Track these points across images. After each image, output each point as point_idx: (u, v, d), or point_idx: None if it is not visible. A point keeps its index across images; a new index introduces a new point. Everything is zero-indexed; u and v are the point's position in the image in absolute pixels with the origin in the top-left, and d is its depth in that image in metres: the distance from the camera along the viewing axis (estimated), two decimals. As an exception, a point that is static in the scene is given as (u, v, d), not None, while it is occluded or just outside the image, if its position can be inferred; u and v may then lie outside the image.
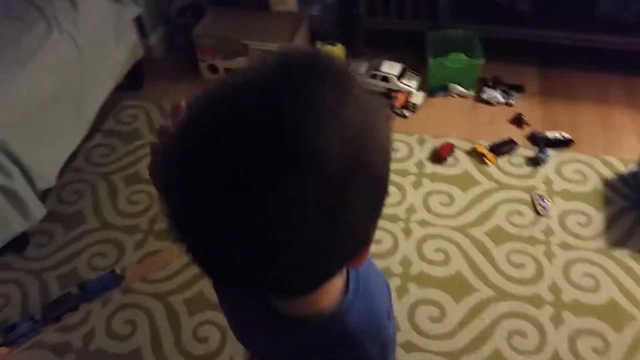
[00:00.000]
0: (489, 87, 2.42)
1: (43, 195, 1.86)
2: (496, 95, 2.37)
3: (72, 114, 1.87)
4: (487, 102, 2.38)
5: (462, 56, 2.33)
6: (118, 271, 1.76)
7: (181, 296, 1.75)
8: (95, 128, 2.27)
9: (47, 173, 1.76)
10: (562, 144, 2.16)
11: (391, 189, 2.05)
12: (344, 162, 0.40)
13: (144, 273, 1.77)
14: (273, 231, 0.40)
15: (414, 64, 2.46)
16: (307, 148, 0.39)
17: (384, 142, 0.47)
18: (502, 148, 2.14)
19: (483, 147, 2.15)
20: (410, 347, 1.62)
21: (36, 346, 1.62)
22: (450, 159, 2.14)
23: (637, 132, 2.22)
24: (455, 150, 2.16)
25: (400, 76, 2.40)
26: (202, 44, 2.44)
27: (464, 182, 2.06)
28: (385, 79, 2.39)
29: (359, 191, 0.43)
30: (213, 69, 2.50)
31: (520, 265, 1.80)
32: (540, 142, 2.17)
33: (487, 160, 2.11)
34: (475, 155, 2.14)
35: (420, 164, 2.13)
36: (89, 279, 1.77)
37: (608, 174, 2.07)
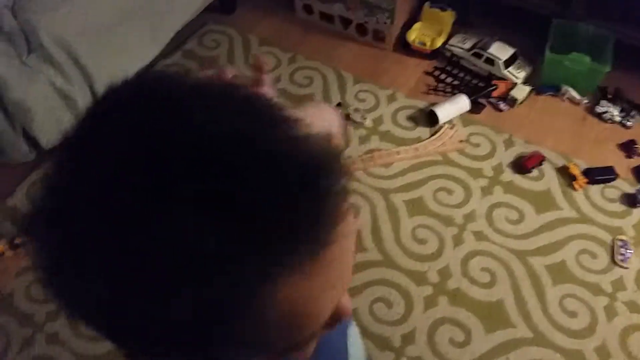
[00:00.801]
0: (608, 99, 2.07)
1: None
2: (613, 111, 2.03)
3: (145, 32, 1.82)
4: (600, 117, 2.05)
5: (586, 58, 1.99)
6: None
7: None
8: (177, 46, 2.22)
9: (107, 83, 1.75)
10: (673, 188, 1.83)
11: (456, 187, 1.87)
12: None
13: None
14: None
15: (528, 53, 2.16)
16: None
17: None
18: (598, 175, 1.85)
19: (577, 169, 1.87)
20: (419, 364, 1.50)
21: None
22: (534, 172, 1.88)
23: None
24: (544, 162, 1.90)
25: (508, 63, 2.12)
26: (303, -20, 2.28)
27: (542, 202, 1.81)
28: (490, 61, 2.11)
29: None
30: (308, 9, 2.34)
31: (573, 314, 1.58)
32: (646, 178, 1.85)
33: (576, 185, 1.84)
34: (566, 175, 1.87)
35: (498, 168, 1.90)
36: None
37: None
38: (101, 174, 0.30)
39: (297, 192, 0.30)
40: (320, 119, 0.63)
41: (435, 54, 2.22)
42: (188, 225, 0.28)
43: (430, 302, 1.60)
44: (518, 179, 1.87)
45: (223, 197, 0.29)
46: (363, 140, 1.98)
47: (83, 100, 1.65)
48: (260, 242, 0.29)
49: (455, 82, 2.16)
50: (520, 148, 1.95)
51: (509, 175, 1.88)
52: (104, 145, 0.31)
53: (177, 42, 2.19)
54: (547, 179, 1.87)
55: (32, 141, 1.65)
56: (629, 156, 1.94)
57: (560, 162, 1.91)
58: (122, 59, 1.76)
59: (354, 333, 0.71)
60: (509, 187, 1.85)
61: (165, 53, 2.14)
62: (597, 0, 2.06)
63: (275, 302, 0.31)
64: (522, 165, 1.88)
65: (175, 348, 0.32)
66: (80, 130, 0.33)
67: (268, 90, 0.54)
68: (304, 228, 0.30)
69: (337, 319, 0.40)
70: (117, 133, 0.31)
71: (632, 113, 2.04)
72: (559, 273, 1.66)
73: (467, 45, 2.19)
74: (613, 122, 2.03)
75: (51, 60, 1.58)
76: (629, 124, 2.02)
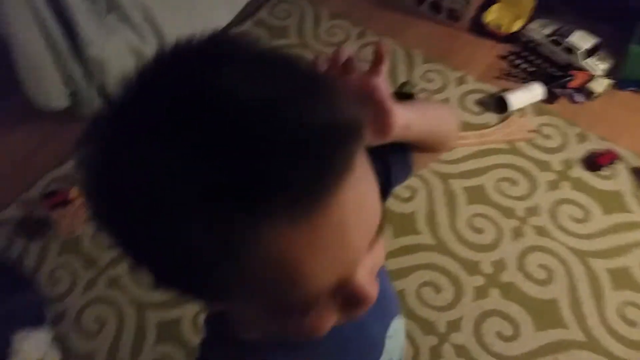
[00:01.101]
0: (699, 99, 1.93)
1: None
2: (703, 112, 1.89)
3: None
4: (688, 117, 1.91)
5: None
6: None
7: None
8: (248, 15, 2.24)
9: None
10: None
11: (521, 179, 1.80)
12: None
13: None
14: None
15: (612, 45, 2.02)
16: None
17: None
18: (677, 179, 1.74)
19: (654, 170, 1.76)
20: (462, 352, 1.48)
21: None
22: (606, 170, 1.78)
23: None
24: (618, 162, 1.80)
25: (589, 53, 2.00)
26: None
27: (612, 202, 1.72)
28: (569, 50, 2.00)
29: None
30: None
31: (633, 323, 1.50)
32: None
33: (651, 187, 1.73)
34: (640, 176, 1.77)
35: (567, 163, 1.81)
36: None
37: None
38: (146, 125, 0.34)
39: (304, 147, 0.33)
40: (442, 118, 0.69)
41: (511, 37, 2.12)
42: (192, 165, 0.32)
43: (481, 293, 1.57)
44: (588, 176, 1.78)
45: (231, 142, 0.32)
46: (427, 122, 1.93)
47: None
48: (254, 182, 0.32)
49: (531, 69, 2.06)
50: (594, 144, 1.85)
51: (578, 171, 1.79)
52: (151, 98, 0.35)
53: (250, 10, 2.21)
54: (620, 180, 1.77)
55: (106, 97, 1.72)
56: None
57: (636, 163, 1.80)
58: (196, 22, 1.80)
59: (397, 326, 0.70)
60: (578, 184, 1.76)
61: (237, 21, 2.16)
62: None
63: (262, 244, 0.34)
64: (593, 162, 1.79)
65: (183, 275, 0.37)
66: (133, 85, 0.36)
67: (381, 82, 0.54)
68: (301, 178, 0.32)
69: (352, 301, 0.42)
70: (163, 88, 0.35)
71: None
72: (621, 278, 1.58)
73: (547, 31, 2.08)
74: (701, 123, 1.89)
75: (128, 20, 1.63)
76: None
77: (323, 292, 0.40)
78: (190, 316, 1.55)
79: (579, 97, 1.97)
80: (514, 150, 1.85)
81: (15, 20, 1.52)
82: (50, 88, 1.68)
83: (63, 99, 1.74)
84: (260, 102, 0.33)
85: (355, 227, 0.37)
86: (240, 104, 0.33)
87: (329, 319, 0.43)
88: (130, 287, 1.63)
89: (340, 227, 0.36)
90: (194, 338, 1.52)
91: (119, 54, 1.62)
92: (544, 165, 1.81)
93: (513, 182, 1.78)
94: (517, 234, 1.67)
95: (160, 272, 0.38)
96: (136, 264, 0.38)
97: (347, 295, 0.41)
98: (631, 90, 1.98)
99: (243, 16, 2.18)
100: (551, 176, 1.79)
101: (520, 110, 1.94)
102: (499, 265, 1.61)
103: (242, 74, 0.34)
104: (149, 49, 1.67)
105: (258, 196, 0.32)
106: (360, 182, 0.37)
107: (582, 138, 1.87)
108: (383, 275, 0.61)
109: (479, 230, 1.68)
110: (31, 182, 1.83)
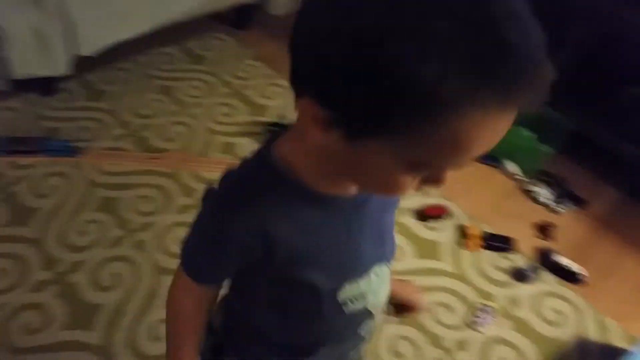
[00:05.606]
0: (546, 182, 2.04)
1: (82, 62, 2.11)
2: (543, 194, 2.00)
3: (144, 6, 2.08)
4: (529, 196, 2.02)
5: (530, 136, 2.00)
6: (72, 144, 1.96)
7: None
8: (176, 40, 2.53)
9: (90, 39, 2.00)
10: (567, 276, 1.75)
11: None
12: None
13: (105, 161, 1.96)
14: None
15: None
16: None
17: None
18: (493, 241, 1.82)
19: (476, 230, 1.85)
20: None
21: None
22: (432, 222, 1.89)
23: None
24: (447, 217, 1.90)
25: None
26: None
27: (426, 249, 1.80)
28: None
29: None
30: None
31: (399, 354, 1.55)
32: (545, 261, 1.79)
33: (468, 244, 1.82)
34: (464, 234, 1.86)
35: (400, 210, 1.93)
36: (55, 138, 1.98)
37: (593, 335, 1.63)
38: None
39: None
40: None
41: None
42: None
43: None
44: (412, 222, 1.89)
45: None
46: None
47: (59, 46, 1.95)
48: (503, 69, 0.43)
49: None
50: (433, 200, 1.96)
51: (406, 218, 1.90)
52: None
53: (179, 38, 2.50)
54: (443, 233, 1.87)
55: (7, 72, 1.97)
56: (544, 237, 1.89)
57: (465, 222, 1.90)
58: (112, 21, 2.05)
59: (385, 271, 0.79)
60: (400, 227, 1.87)
61: (164, 42, 2.45)
62: (560, 87, 2.07)
63: (471, 114, 0.45)
64: (423, 213, 1.90)
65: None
66: None
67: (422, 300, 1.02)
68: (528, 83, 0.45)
69: (432, 181, 0.56)
70: None
71: (566, 202, 2.00)
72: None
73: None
74: (540, 203, 2.00)
75: (40, 2, 1.89)
76: (558, 209, 1.97)
77: (442, 168, 0.54)
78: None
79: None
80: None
81: None
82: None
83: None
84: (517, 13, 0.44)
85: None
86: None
87: (412, 186, 0.55)
88: (154, 252, 1.67)
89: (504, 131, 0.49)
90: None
91: (23, 31, 1.89)
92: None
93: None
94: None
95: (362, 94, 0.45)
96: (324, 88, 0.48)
97: (434, 178, 0.56)
98: (488, 164, 2.12)
99: (171, 41, 2.47)
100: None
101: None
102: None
103: None
104: (56, 35, 1.92)
105: (501, 83, 0.43)
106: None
107: (424, 194, 1.99)
108: (392, 219, 0.79)
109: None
110: None
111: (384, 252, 0.78)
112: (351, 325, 0.79)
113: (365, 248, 0.72)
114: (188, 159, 1.99)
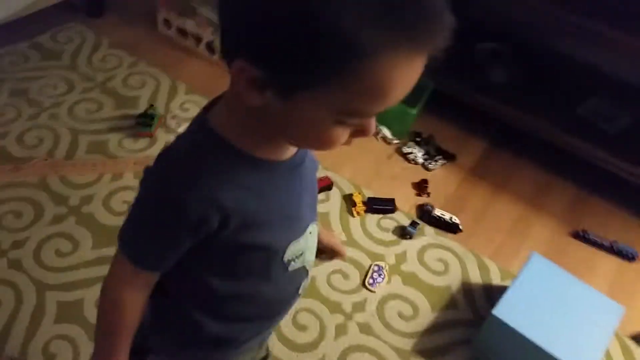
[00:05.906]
0: (417, 143, 2.18)
1: None
2: (417, 153, 2.14)
3: None
4: (405, 157, 2.15)
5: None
6: None
7: None
8: (28, 36, 2.32)
9: None
10: (445, 227, 1.90)
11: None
12: None
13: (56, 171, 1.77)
14: None
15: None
16: None
17: None
18: (376, 205, 1.92)
19: (360, 197, 1.94)
20: None
21: None
22: (321, 195, 1.95)
23: (544, 247, 1.90)
24: (332, 188, 1.97)
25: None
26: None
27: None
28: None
29: None
30: (167, 23, 2.46)
31: (303, 327, 1.60)
32: (424, 216, 1.93)
33: (354, 211, 1.91)
34: (350, 202, 1.94)
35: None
36: None
37: (475, 278, 1.80)
38: None
39: None
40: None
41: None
42: None
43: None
44: (302, 199, 1.93)
45: None
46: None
47: None
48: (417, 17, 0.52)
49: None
50: (318, 174, 2.02)
51: (297, 194, 1.94)
52: None
53: (30, 33, 2.29)
54: (330, 203, 1.94)
55: None
56: (418, 194, 2.02)
57: (350, 191, 1.98)
58: None
59: (314, 229, 0.82)
60: (290, 204, 1.90)
61: (11, 39, 2.24)
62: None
63: (387, 57, 0.52)
64: (309, 187, 1.95)
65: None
66: None
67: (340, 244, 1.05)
68: (438, 31, 0.54)
69: (361, 132, 0.63)
70: None
71: (437, 158, 2.15)
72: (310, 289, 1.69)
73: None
74: (416, 163, 2.13)
75: None
76: (430, 166, 2.12)
77: (370, 115, 0.60)
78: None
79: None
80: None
81: None
82: None
83: None
84: None
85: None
86: None
87: (344, 138, 0.61)
88: (32, 269, 1.51)
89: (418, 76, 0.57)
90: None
91: None
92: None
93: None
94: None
95: (287, 48, 0.51)
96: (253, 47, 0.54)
97: (362, 127, 0.62)
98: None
99: (20, 37, 2.26)
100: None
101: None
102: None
103: None
104: None
105: (410, 27, 0.51)
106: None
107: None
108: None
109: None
110: None
111: (315, 210, 0.83)
112: (292, 285, 0.82)
113: (304, 207, 0.77)
114: (55, 164, 1.85)
